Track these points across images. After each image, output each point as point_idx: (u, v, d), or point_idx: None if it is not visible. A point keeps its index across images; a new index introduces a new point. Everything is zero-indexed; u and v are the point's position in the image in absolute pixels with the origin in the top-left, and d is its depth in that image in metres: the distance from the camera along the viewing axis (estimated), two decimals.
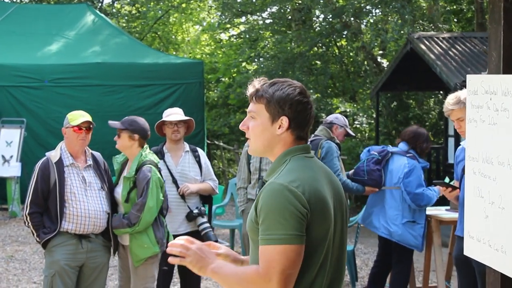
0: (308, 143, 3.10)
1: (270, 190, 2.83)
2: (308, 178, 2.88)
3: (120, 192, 5.92)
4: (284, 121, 2.95)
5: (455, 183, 6.00)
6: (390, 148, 7.49)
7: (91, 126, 5.82)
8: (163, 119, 6.67)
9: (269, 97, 2.96)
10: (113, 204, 5.94)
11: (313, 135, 7.70)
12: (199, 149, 6.94)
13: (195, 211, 6.62)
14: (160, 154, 6.66)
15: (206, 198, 6.89)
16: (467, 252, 3.99)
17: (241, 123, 3.10)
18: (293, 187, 2.81)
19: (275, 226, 2.78)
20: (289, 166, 2.93)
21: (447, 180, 6.68)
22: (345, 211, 3.04)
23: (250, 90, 3.04)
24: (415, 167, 7.15)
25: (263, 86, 3.01)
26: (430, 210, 7.31)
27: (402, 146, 7.40)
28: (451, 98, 5.59)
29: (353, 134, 8.28)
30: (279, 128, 2.96)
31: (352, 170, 7.71)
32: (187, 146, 6.83)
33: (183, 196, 6.61)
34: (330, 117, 7.92)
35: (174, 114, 6.72)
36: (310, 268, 2.85)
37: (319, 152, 7.36)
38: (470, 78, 3.96)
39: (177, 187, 6.61)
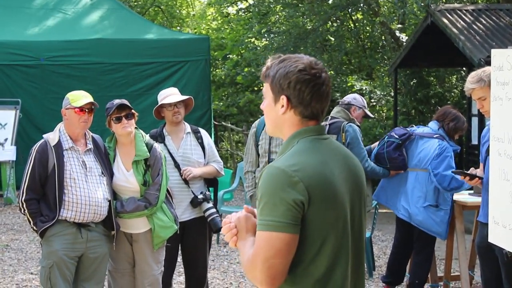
0: (325, 123, 3.10)
1: (267, 174, 2.85)
2: (313, 162, 2.87)
3: (125, 179, 5.96)
4: (284, 100, 2.95)
5: (480, 167, 5.99)
6: (416, 131, 7.47)
7: (93, 107, 5.82)
8: (161, 103, 6.64)
9: (272, 76, 2.98)
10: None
11: (329, 117, 7.65)
12: (201, 130, 6.93)
13: (200, 196, 6.62)
14: (160, 138, 6.66)
15: (211, 182, 6.90)
16: (492, 239, 4.00)
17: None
18: (291, 172, 2.80)
19: (265, 211, 2.80)
20: (295, 149, 2.92)
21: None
22: (363, 195, 3.04)
23: (263, 68, 3.05)
24: (446, 148, 7.15)
25: (273, 63, 3.01)
26: (455, 194, 7.30)
27: (432, 125, 7.41)
28: (471, 76, 5.58)
29: (372, 116, 8.27)
30: (281, 108, 2.97)
31: (373, 146, 7.76)
32: (188, 127, 6.81)
33: (186, 181, 6.62)
34: (348, 98, 7.89)
35: (171, 95, 6.68)
36: (323, 257, 2.84)
37: (343, 136, 7.34)
38: (495, 53, 3.95)
39: (180, 171, 6.61)
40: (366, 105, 7.91)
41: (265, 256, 2.78)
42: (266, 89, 3.02)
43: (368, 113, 7.90)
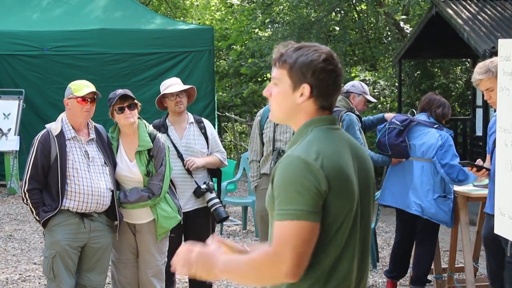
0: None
1: (286, 163, 2.80)
2: (330, 151, 2.84)
3: (128, 169, 5.94)
4: (306, 89, 2.90)
5: (487, 159, 5.96)
6: (415, 117, 7.44)
7: (95, 97, 5.80)
8: (163, 92, 6.62)
9: (292, 63, 2.91)
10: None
11: None
12: (204, 120, 6.92)
13: (203, 186, 6.61)
14: (163, 128, 6.65)
15: (214, 172, 6.89)
16: (498, 230, 3.97)
17: (265, 89, 3.06)
18: (311, 160, 2.77)
19: (288, 200, 2.75)
20: (310, 137, 2.88)
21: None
22: (372, 188, 3.02)
23: (275, 54, 2.99)
24: (447, 138, 7.17)
25: (287, 50, 2.95)
26: (457, 186, 7.29)
27: (422, 117, 7.37)
28: (479, 67, 5.52)
29: (375, 100, 8.22)
30: (300, 96, 2.91)
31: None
32: (191, 117, 6.80)
33: (189, 171, 6.60)
34: (347, 86, 7.87)
35: (173, 85, 6.68)
36: (333, 248, 2.82)
37: (340, 125, 7.31)
38: (502, 43, 3.92)
39: (183, 161, 6.60)
40: (366, 90, 7.83)
41: (294, 246, 2.72)
42: (281, 75, 2.95)
43: (370, 98, 7.84)
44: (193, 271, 2.90)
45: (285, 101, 2.95)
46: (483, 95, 5.68)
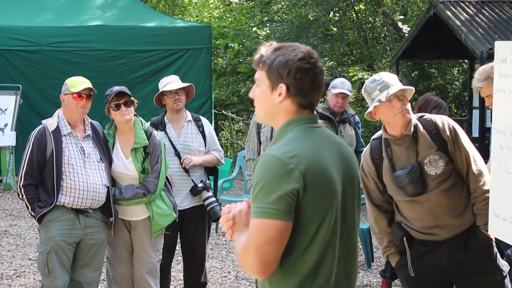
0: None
1: (262, 162, 2.85)
2: (308, 149, 2.86)
3: (124, 166, 5.95)
4: (283, 88, 2.93)
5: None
6: None
7: (91, 93, 5.81)
8: (162, 90, 6.62)
9: (270, 64, 2.95)
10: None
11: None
12: (202, 118, 6.92)
13: (200, 185, 6.61)
14: (161, 125, 6.64)
15: (211, 170, 6.89)
16: (492, 232, 3.97)
17: (250, 91, 3.09)
18: (286, 159, 2.80)
19: (259, 198, 2.79)
20: (289, 136, 2.91)
21: None
22: (356, 184, 3.02)
23: (256, 56, 3.03)
24: None
25: (267, 51, 2.99)
26: None
27: None
28: (479, 73, 5.45)
29: (342, 91, 7.86)
30: (278, 96, 2.95)
31: None
32: (189, 115, 6.80)
33: (186, 169, 6.61)
34: None
35: (172, 82, 6.67)
36: (316, 246, 2.83)
37: None
38: (499, 45, 3.92)
39: (180, 159, 6.60)
40: (334, 84, 7.71)
41: (258, 243, 2.77)
42: (261, 76, 2.99)
43: (334, 91, 7.69)
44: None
45: (265, 102, 2.99)
46: (479, 97, 5.68)
